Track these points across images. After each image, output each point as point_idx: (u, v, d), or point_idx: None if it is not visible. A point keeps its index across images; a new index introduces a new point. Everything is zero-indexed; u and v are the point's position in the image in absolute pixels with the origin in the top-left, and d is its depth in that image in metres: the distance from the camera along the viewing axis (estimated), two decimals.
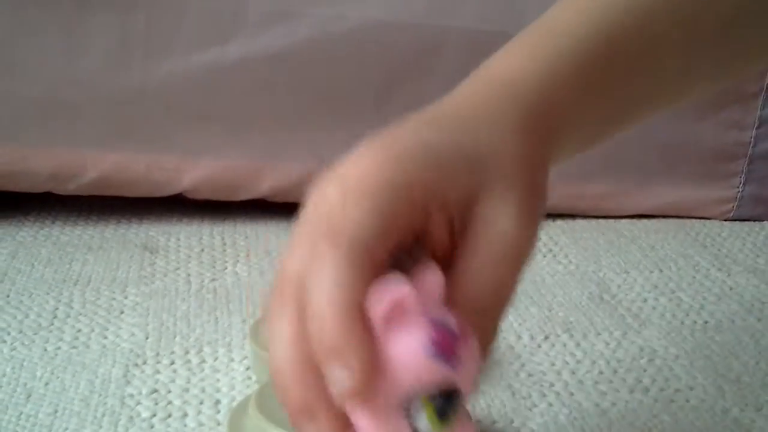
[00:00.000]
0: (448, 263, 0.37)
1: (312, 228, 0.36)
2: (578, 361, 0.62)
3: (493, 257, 0.36)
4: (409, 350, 0.34)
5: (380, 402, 0.34)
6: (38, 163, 0.82)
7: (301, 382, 0.34)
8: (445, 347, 0.34)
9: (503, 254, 0.36)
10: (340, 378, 0.33)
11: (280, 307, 0.36)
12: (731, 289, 0.74)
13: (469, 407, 0.52)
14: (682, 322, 0.68)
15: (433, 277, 0.36)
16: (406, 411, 0.34)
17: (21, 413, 0.55)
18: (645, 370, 0.61)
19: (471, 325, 0.36)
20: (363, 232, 0.34)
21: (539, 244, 0.82)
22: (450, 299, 0.36)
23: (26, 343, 0.63)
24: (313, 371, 0.34)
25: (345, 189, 0.35)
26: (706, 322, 0.68)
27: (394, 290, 0.34)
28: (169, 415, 0.55)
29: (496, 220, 0.36)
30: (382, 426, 0.35)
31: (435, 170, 0.36)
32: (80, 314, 0.68)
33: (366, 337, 0.33)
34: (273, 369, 0.35)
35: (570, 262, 0.79)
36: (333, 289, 0.33)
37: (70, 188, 0.84)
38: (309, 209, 0.36)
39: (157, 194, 0.86)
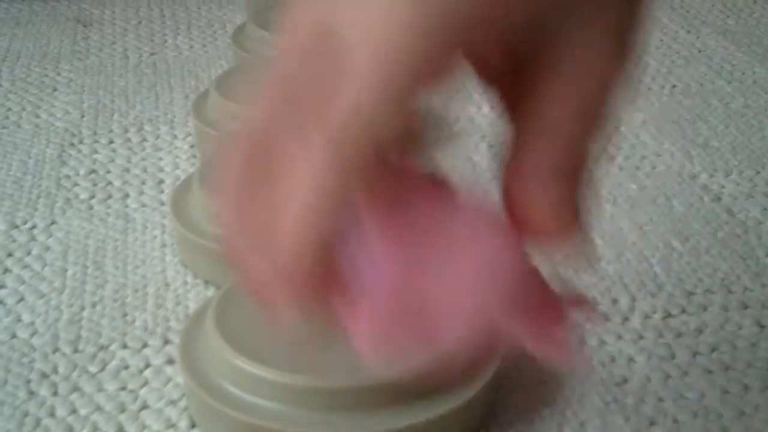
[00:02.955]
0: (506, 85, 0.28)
1: (302, 91, 0.25)
2: None
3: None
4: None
5: None
6: None
7: None
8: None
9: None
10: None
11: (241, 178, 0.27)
12: (700, 51, 0.71)
13: None
14: (649, 88, 0.65)
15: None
16: None
17: None
18: (610, 138, 0.58)
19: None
20: (379, 133, 0.24)
21: None
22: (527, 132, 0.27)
23: None
24: None
25: (372, 51, 0.24)
26: (674, 86, 0.65)
27: None
28: (110, 196, 0.52)
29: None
30: None
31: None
32: (9, 92, 0.64)
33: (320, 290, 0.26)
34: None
35: None
36: (307, 213, 0.25)
37: None
38: (296, 53, 0.25)
39: None
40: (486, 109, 0.62)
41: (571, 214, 0.27)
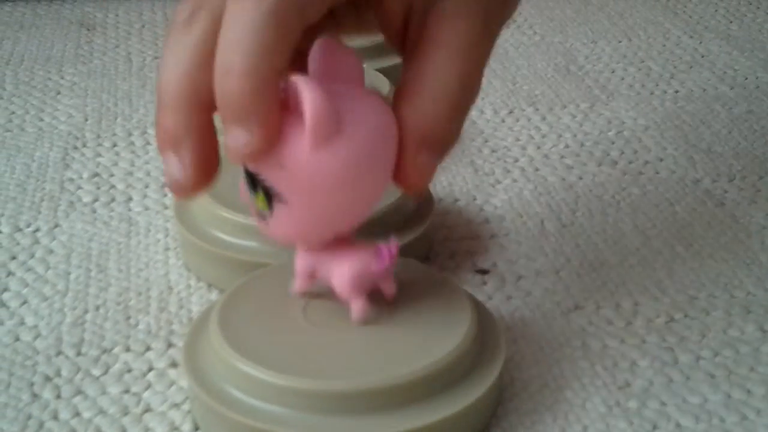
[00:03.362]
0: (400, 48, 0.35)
1: None
2: (544, 135, 0.60)
3: (456, 52, 0.34)
4: None
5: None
6: None
7: (180, 110, 0.32)
8: None
9: (467, 51, 0.34)
10: (239, 139, 0.31)
11: (188, 24, 0.32)
12: (703, 56, 0.71)
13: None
14: (652, 93, 0.65)
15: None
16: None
17: None
18: (613, 143, 0.59)
19: (435, 118, 0.33)
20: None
21: None
22: (413, 90, 0.34)
23: None
24: (197, 103, 0.32)
25: None
26: (676, 92, 0.66)
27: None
28: (113, 200, 0.52)
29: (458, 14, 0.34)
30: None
31: None
32: (13, 95, 0.64)
33: (274, 107, 0.31)
34: (159, 88, 0.33)
35: (535, 32, 0.75)
36: (250, 55, 0.30)
37: None
38: None
39: None
40: (489, 113, 0.62)
41: (427, 179, 0.34)
